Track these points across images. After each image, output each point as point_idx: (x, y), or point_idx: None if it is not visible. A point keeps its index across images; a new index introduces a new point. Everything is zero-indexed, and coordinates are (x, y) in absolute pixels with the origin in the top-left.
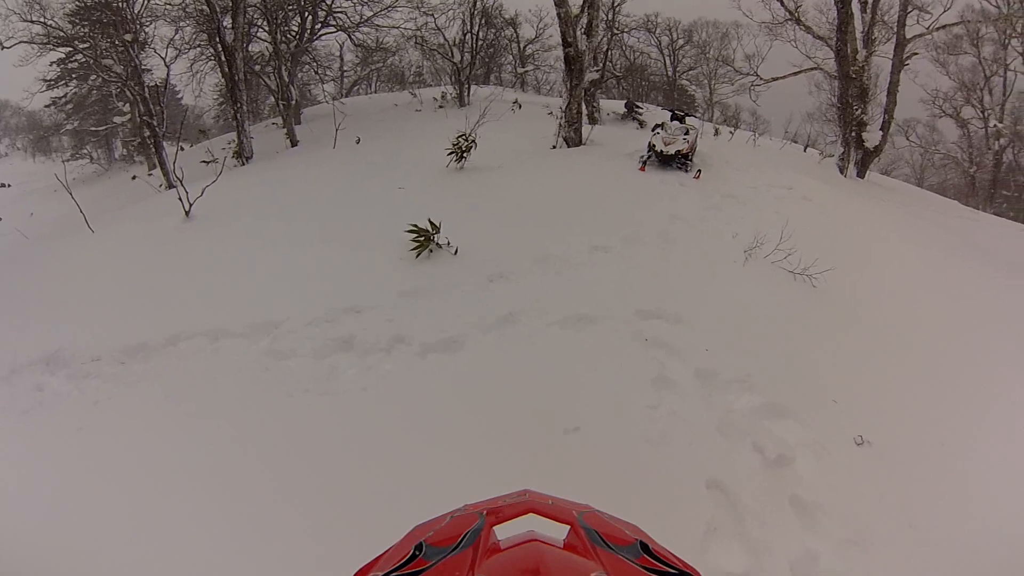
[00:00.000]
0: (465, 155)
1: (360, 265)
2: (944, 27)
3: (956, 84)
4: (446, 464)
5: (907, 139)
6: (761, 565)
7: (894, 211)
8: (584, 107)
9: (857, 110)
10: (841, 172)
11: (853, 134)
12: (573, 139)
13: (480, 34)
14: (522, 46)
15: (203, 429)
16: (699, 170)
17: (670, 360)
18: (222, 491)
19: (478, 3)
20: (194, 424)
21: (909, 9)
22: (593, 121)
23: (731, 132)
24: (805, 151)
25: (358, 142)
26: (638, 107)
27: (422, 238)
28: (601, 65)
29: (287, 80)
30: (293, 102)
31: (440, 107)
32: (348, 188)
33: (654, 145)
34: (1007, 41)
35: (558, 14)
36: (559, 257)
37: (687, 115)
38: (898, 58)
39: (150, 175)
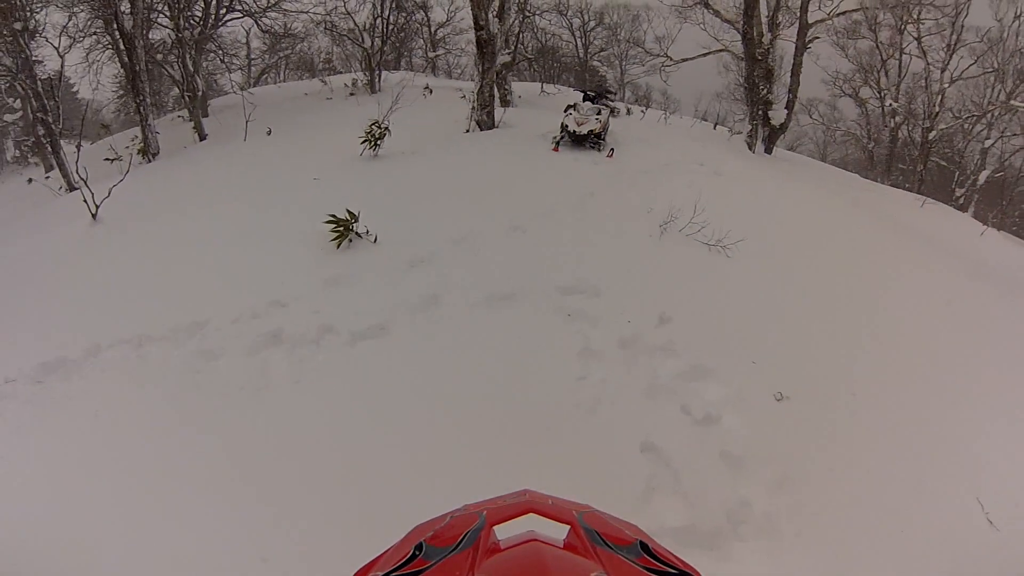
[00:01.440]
0: (379, 142)
1: (281, 258)
2: (844, 13)
3: (855, 66)
4: (389, 453)
5: (810, 117)
6: (700, 516)
7: (801, 183)
8: (496, 90)
9: (763, 90)
10: (750, 148)
11: (760, 112)
12: (486, 122)
13: (391, 18)
14: (433, 30)
15: (135, 444)
16: (612, 149)
17: (593, 332)
18: (160, 506)
19: None
20: (125, 440)
21: None
22: (505, 103)
23: (643, 111)
24: (715, 129)
25: (269, 133)
26: (610, 93)
27: (341, 228)
28: (513, 48)
29: (192, 69)
30: (199, 93)
31: (351, 94)
32: (262, 181)
33: (567, 125)
34: (903, 27)
35: None
36: (477, 238)
37: (609, 92)
38: (801, 41)
39: (47, 177)
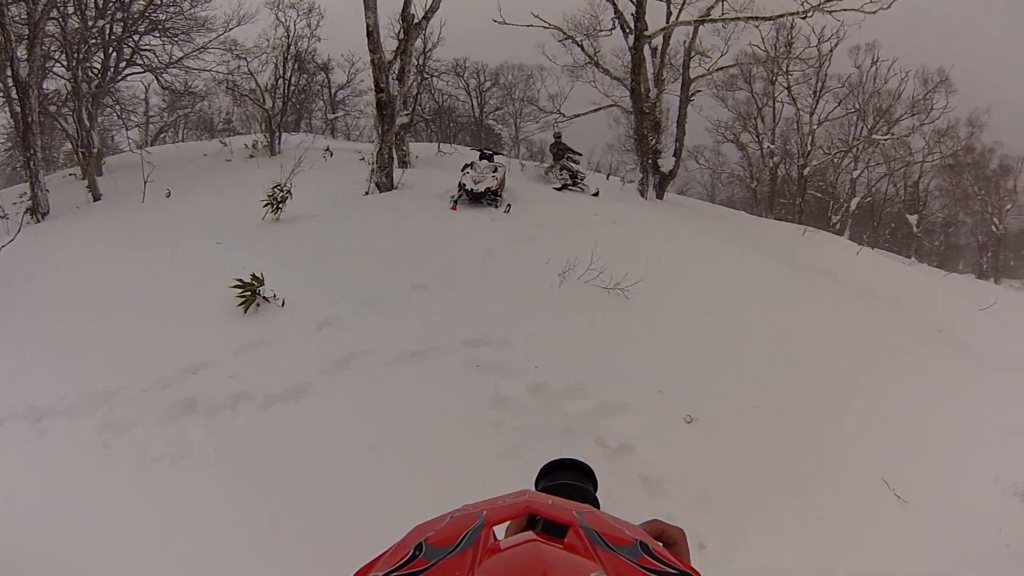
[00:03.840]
0: (281, 206)
1: (188, 324)
2: (722, 68)
3: (734, 115)
4: (312, 517)
5: (697, 162)
6: None
7: (692, 224)
8: (395, 151)
9: (652, 140)
10: (642, 195)
11: (650, 161)
12: (385, 183)
13: (292, 79)
14: (333, 91)
15: (43, 528)
16: (509, 204)
17: (503, 381)
18: None
19: (292, 48)
20: (30, 525)
21: (692, 54)
22: (404, 164)
23: (537, 167)
24: (608, 179)
25: (168, 195)
26: (572, 153)
27: (247, 292)
28: (411, 109)
29: (87, 124)
30: (95, 150)
31: (251, 156)
32: (163, 245)
33: (464, 184)
34: (774, 79)
35: (372, 60)
36: (382, 298)
37: (495, 153)
38: (685, 95)
39: None
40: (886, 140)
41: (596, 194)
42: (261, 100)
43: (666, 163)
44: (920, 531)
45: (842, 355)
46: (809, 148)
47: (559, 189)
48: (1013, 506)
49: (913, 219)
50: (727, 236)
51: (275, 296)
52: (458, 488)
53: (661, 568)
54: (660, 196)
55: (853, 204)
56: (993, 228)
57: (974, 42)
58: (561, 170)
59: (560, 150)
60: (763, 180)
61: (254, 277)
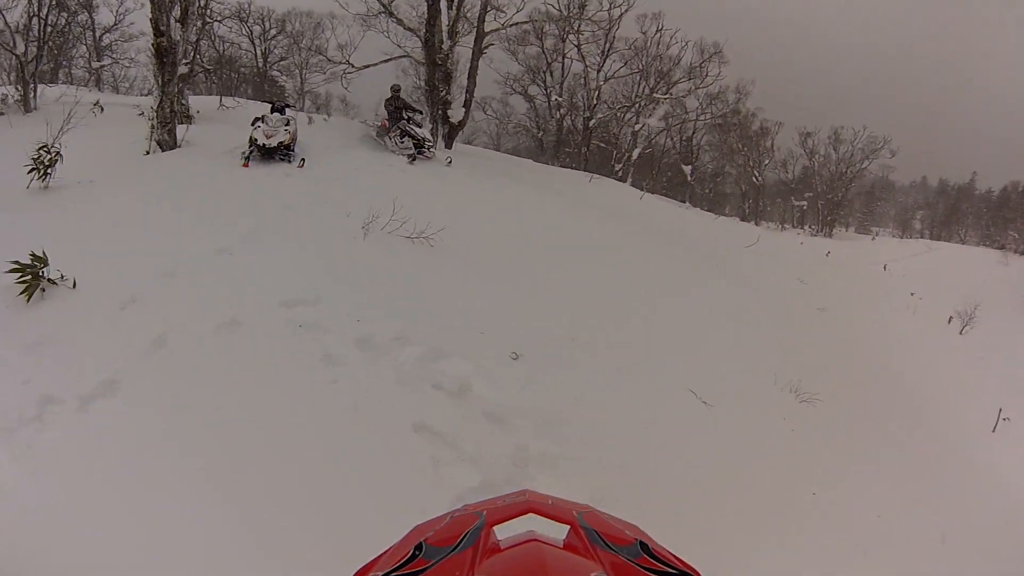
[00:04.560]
0: (50, 171)
1: None
2: (516, 24)
3: (524, 68)
4: (141, 534)
5: (484, 113)
6: (490, 470)
7: (483, 172)
8: (175, 105)
9: (443, 91)
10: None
11: (440, 112)
12: (168, 142)
13: (49, 19)
14: (99, 35)
15: None
16: (303, 159)
17: (328, 338)
18: None
19: None
20: None
21: (488, 8)
22: (186, 120)
23: (325, 119)
24: None
25: None
26: (413, 112)
27: (29, 276)
28: (191, 58)
29: None
30: None
31: (1, 114)
32: None
33: (256, 139)
34: (565, 36)
35: None
36: (186, 268)
37: (287, 106)
38: (477, 47)
39: None
40: (665, 99)
41: (449, 163)
42: (11, 44)
43: (455, 114)
44: (722, 426)
45: (640, 284)
46: (595, 102)
47: (411, 161)
48: (789, 400)
49: (687, 169)
50: (519, 182)
51: (63, 277)
52: (319, 456)
53: (661, 567)
54: (449, 146)
55: (635, 154)
56: (754, 179)
57: (746, 19)
58: (402, 136)
59: (397, 108)
60: (549, 131)
61: (35, 257)
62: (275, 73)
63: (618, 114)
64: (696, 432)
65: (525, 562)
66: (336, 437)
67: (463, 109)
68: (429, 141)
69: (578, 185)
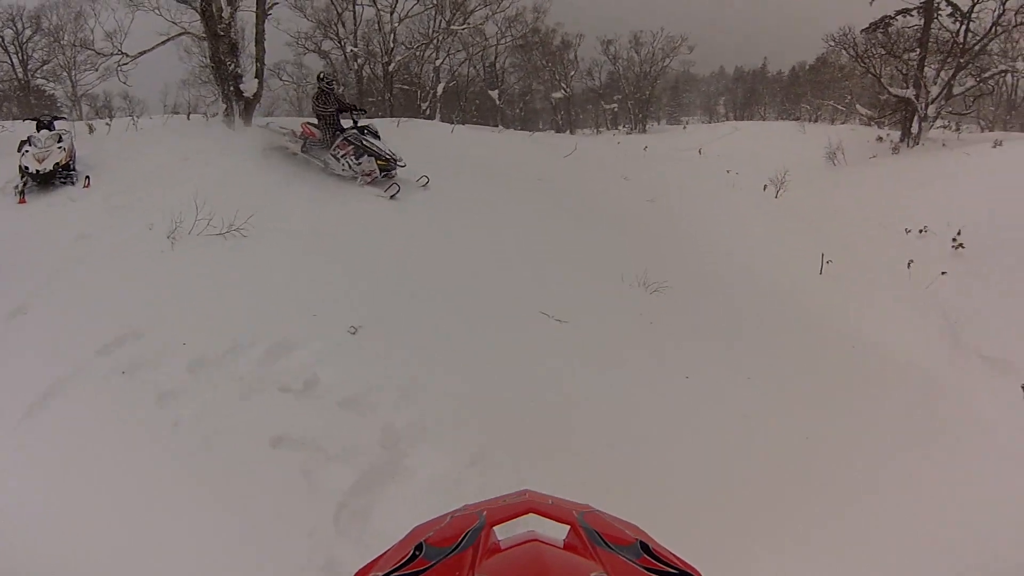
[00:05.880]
0: None
1: None
2: None
3: (314, 23)
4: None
5: (280, 80)
6: (362, 462)
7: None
8: None
9: (231, 65)
10: (230, 127)
11: (231, 88)
12: None
13: None
14: None
15: None
16: (88, 177)
17: (158, 374)
18: None
19: None
20: None
21: None
22: None
23: (108, 124)
24: (189, 119)
25: None
26: (354, 111)
27: None
28: None
29: None
30: None
31: None
32: None
33: (27, 167)
34: None
35: None
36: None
37: (55, 118)
38: (261, 9)
39: None
40: (463, 29)
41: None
42: None
43: (249, 87)
44: (579, 339)
45: (461, 224)
46: (392, 45)
47: (393, 196)
48: (640, 295)
49: (495, 94)
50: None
51: None
52: (186, 523)
53: (661, 568)
54: (247, 123)
55: (439, 90)
56: (563, 92)
57: None
58: (359, 155)
59: (324, 104)
60: (349, 84)
61: None
62: (40, 81)
63: (417, 53)
64: (553, 353)
65: (525, 562)
66: (197, 489)
67: (255, 80)
68: (396, 156)
69: (387, 131)
